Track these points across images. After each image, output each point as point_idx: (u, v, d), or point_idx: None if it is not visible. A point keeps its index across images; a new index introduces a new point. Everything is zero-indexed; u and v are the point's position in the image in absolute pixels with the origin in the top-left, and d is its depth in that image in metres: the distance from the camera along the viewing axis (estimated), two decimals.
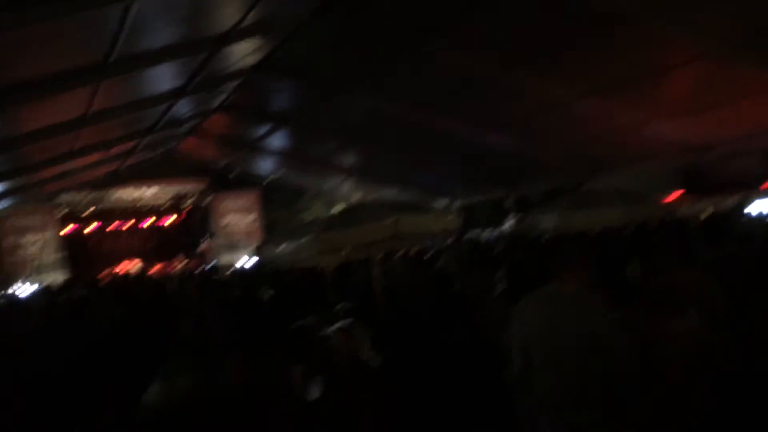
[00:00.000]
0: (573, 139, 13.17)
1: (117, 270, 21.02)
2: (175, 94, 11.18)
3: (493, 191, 17.92)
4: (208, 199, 23.52)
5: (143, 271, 13.34)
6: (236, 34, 8.89)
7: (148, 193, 22.50)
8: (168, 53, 8.61)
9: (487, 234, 18.38)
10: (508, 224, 18.27)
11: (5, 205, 16.66)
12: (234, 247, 23.97)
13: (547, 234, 6.70)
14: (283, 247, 5.49)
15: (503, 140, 13.79)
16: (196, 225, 25.10)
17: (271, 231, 24.91)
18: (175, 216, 24.86)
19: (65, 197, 20.78)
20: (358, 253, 5.38)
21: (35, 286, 16.31)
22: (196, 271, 15.38)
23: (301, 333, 3.41)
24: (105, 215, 22.95)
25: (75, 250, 22.09)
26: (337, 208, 26.73)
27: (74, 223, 22.42)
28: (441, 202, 18.79)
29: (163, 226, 24.77)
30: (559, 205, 7.05)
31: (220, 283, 4.74)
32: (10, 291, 13.81)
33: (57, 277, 19.81)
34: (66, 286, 13.46)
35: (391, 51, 10.30)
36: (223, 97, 13.47)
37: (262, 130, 15.78)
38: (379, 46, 10.24)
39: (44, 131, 10.13)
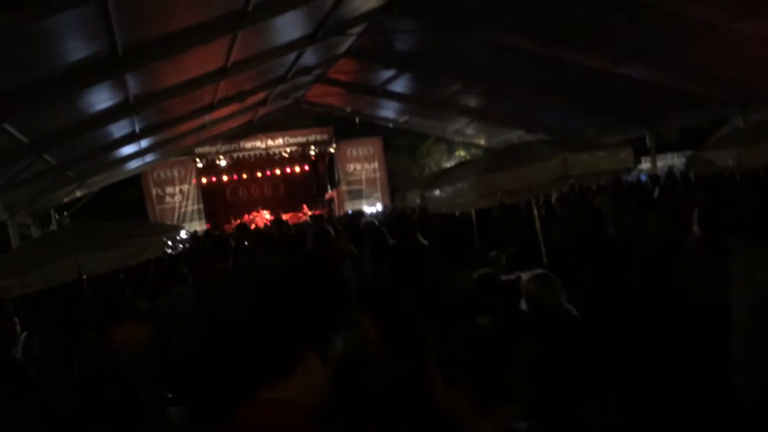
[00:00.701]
0: (724, 69, 11.78)
1: (250, 218, 22.04)
2: (306, 40, 11.16)
3: (627, 130, 16.67)
4: (333, 147, 23.86)
5: (319, 217, 13.66)
6: None
7: (276, 143, 23.18)
8: None
9: (627, 175, 17.23)
10: (646, 163, 16.98)
11: (151, 158, 17.77)
12: (358, 194, 24.37)
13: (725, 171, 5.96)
14: (438, 192, 5.25)
15: (641, 73, 12.64)
16: (322, 173, 25.71)
17: (393, 178, 25.05)
18: (301, 165, 25.56)
19: (201, 150, 21.93)
20: (513, 196, 5.02)
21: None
22: (335, 218, 15.63)
23: (485, 282, 3.20)
24: (237, 166, 24.02)
25: (211, 199, 23.45)
26: (460, 153, 26.18)
27: (210, 174, 23.69)
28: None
29: (290, 175, 25.56)
30: (735, 140, 6.24)
31: (374, 229, 4.63)
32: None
33: (197, 226, 21.16)
34: (209, 233, 14.25)
35: None
36: (349, 42, 13.34)
37: (387, 74, 15.56)
38: None
39: (189, 84, 10.50)
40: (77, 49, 7.52)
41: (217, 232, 14.47)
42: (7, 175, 10.60)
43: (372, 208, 23.11)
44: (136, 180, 22.39)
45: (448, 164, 24.33)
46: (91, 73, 8.00)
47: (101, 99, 9.69)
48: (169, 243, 4.01)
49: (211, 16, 8.01)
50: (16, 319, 2.87)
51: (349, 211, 17.68)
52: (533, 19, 11.07)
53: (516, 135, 18.41)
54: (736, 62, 11.29)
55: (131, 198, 24.26)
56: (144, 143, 14.29)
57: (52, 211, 18.82)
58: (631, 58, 11.94)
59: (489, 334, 1.75)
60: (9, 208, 13.79)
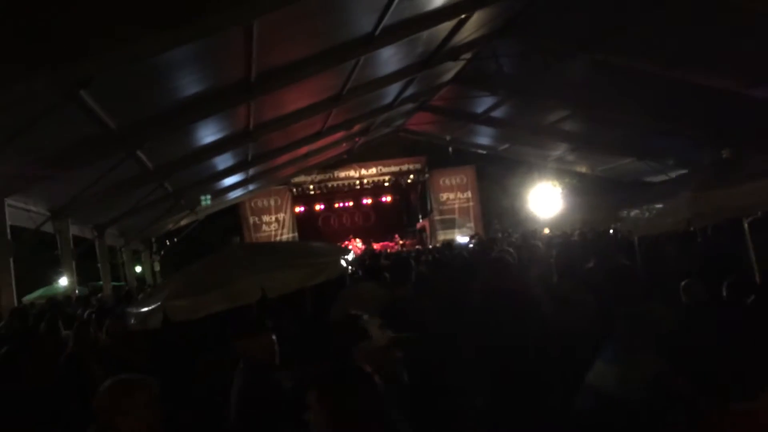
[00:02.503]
0: None
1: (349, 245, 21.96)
2: (419, 66, 11.00)
3: (749, 157, 15.46)
4: (426, 176, 23.63)
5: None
6: None
7: (369, 172, 23.20)
8: (431, 18, 8.34)
9: None
10: None
11: (254, 187, 18.09)
12: (450, 223, 23.94)
13: None
14: (636, 212, 4.76)
15: None
16: (413, 203, 25.48)
17: (486, 208, 24.49)
18: (393, 194, 25.44)
19: (297, 179, 22.22)
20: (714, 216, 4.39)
21: None
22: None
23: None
24: (329, 195, 24.17)
25: (304, 228, 23.63)
26: (554, 183, 25.33)
27: (304, 203, 23.92)
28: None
29: (381, 204, 25.47)
30: None
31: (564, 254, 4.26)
32: None
33: None
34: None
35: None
36: (458, 68, 13.10)
37: (491, 100, 15.18)
38: None
39: (305, 110, 10.53)
40: (212, 76, 7.63)
41: (396, 253, 14.18)
42: (132, 202, 10.93)
43: (464, 237, 22.64)
44: (232, 210, 22.93)
45: (538, 193, 23.51)
46: (222, 98, 8.09)
47: (223, 126, 9.85)
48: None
49: (342, 40, 7.95)
50: (273, 336, 2.68)
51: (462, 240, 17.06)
52: (649, 40, 10.44)
53: (624, 162, 17.55)
54: None
55: (227, 227, 24.85)
56: (251, 171, 14.53)
57: (152, 239, 19.43)
58: (762, 81, 11.04)
59: None
60: (124, 234, 14.30)
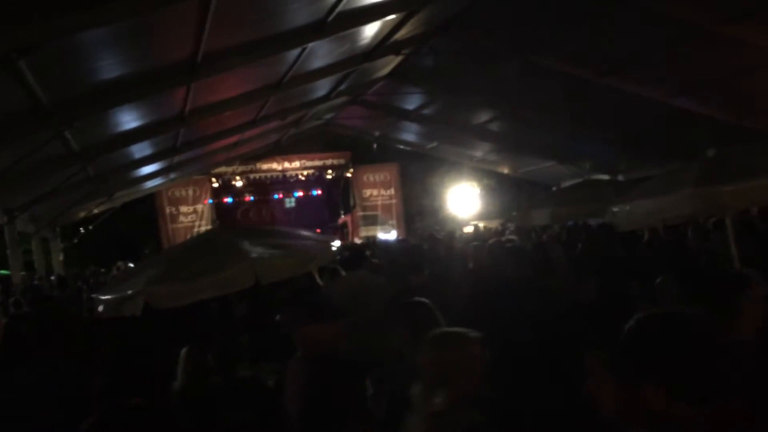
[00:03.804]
0: None
1: None
2: (362, 58, 10.89)
3: (664, 164, 16.47)
4: (350, 172, 23.55)
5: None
6: None
7: (293, 165, 22.83)
8: (382, 9, 8.28)
9: None
10: None
11: (176, 175, 17.32)
12: (373, 220, 24.01)
13: None
14: (628, 207, 4.82)
15: (694, 104, 12.49)
16: (336, 198, 25.29)
17: (407, 205, 24.73)
18: (315, 189, 25.13)
19: (218, 169, 21.50)
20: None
21: None
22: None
23: None
24: (252, 188, 23.54)
25: (225, 220, 22.88)
26: (473, 183, 25.86)
27: (224, 194, 23.18)
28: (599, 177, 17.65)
29: (302, 198, 25.09)
30: None
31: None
32: None
33: None
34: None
35: (583, 8, 9.49)
36: (395, 63, 13.11)
37: (423, 98, 15.31)
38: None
39: (243, 97, 10.18)
40: (157, 53, 7.22)
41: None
42: (50, 185, 10.15)
43: (387, 234, 22.77)
44: (146, 199, 21.85)
45: (457, 192, 23.94)
46: (164, 78, 7.67)
47: (158, 108, 9.34)
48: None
49: (296, 24, 7.73)
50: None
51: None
52: (579, 47, 10.88)
53: (546, 165, 18.23)
54: None
55: (139, 217, 23.71)
56: (176, 159, 13.87)
57: (57, 230, 18.15)
58: (685, 89, 11.73)
59: None
60: (35, 220, 13.28)
